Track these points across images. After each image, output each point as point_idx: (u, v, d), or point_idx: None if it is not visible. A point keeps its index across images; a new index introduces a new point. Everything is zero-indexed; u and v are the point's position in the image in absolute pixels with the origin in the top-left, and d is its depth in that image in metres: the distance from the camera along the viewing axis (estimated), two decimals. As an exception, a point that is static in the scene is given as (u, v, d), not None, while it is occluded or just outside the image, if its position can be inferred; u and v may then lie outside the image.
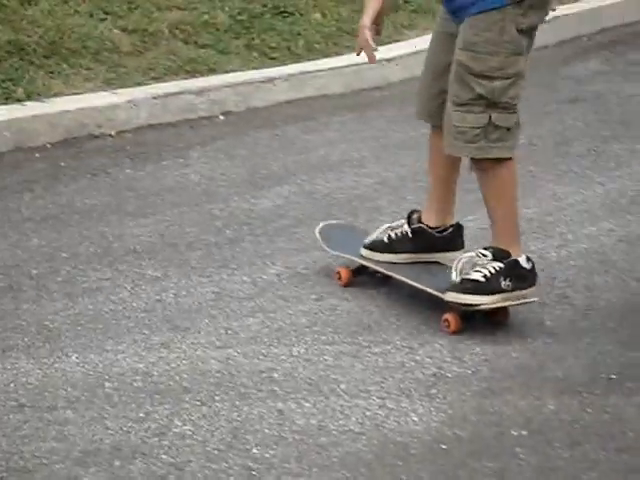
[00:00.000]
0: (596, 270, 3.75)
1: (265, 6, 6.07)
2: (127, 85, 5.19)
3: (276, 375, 3.00)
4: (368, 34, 3.38)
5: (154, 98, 5.10)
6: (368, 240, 3.63)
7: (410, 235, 3.57)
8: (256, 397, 2.88)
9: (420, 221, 3.58)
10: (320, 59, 5.81)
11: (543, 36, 6.06)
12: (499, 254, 3.33)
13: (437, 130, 3.43)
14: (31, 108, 4.75)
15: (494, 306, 3.31)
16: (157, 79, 5.31)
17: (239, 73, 5.52)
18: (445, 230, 3.56)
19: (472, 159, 3.35)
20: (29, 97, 4.82)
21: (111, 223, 3.98)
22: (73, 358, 3.02)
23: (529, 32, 3.31)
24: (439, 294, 3.34)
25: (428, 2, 6.76)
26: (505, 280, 3.30)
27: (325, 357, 3.11)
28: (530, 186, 4.38)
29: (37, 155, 4.61)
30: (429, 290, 3.38)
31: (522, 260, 3.36)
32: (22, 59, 5.06)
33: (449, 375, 3.04)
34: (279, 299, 3.47)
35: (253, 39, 5.82)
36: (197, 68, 5.48)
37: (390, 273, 3.52)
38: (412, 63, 6.00)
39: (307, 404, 2.87)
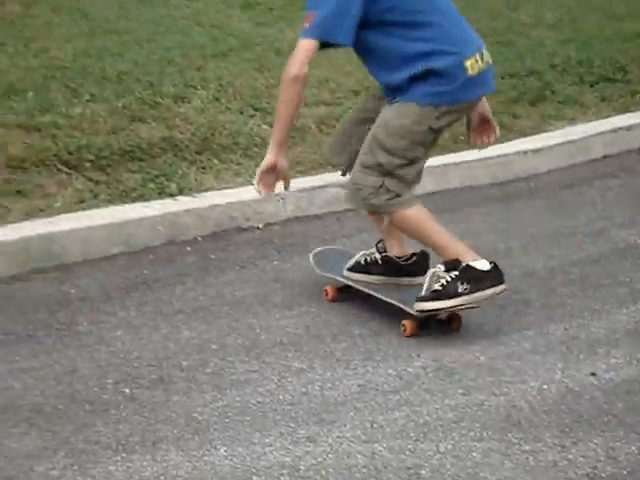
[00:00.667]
0: None
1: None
2: (278, 179, 5.28)
3: (423, 472, 2.95)
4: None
5: (300, 191, 5.18)
6: (349, 264, 4.20)
7: (380, 262, 4.15)
8: (404, 494, 2.84)
9: (385, 250, 4.15)
10: (465, 150, 5.82)
11: None
12: (450, 264, 3.85)
13: None
14: (183, 203, 4.88)
15: (454, 308, 3.84)
16: (303, 172, 5.40)
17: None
18: (409, 259, 4.14)
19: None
20: (181, 192, 4.97)
21: (259, 315, 4.03)
22: (222, 451, 3.04)
23: (438, 131, 3.90)
24: (407, 308, 3.88)
25: (575, 93, 6.73)
26: (462, 284, 3.80)
27: (473, 454, 3.05)
28: None
29: (188, 248, 4.73)
30: (399, 304, 3.93)
31: (478, 264, 3.84)
32: (175, 155, 5.23)
33: (603, 475, 2.94)
34: (425, 393, 3.43)
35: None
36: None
37: (367, 290, 4.09)
38: (559, 154, 5.99)
39: (456, 503, 2.81)
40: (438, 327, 3.96)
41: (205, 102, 5.78)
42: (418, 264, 4.12)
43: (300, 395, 3.39)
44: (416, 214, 3.92)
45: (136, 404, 3.29)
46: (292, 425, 3.19)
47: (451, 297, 3.81)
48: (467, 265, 3.83)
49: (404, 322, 3.90)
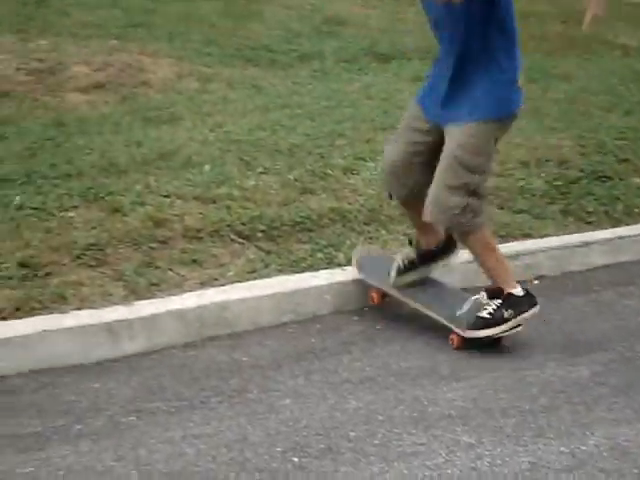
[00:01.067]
0: None
1: (582, 171, 6.06)
2: (442, 250, 5.28)
3: None
4: None
5: (469, 263, 5.14)
6: (393, 272, 4.72)
7: (417, 259, 4.72)
8: None
9: (421, 246, 4.72)
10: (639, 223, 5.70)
11: None
12: (492, 293, 4.42)
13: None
14: (351, 272, 4.93)
15: (504, 333, 4.38)
16: (471, 244, 5.37)
17: (554, 238, 5.50)
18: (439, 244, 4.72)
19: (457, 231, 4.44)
20: (349, 262, 5.02)
21: (425, 387, 4.01)
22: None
23: (497, 141, 4.40)
24: (460, 331, 4.40)
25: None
26: (507, 311, 4.37)
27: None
28: None
29: (355, 318, 4.76)
30: (448, 324, 4.45)
31: (516, 291, 4.41)
32: (344, 226, 5.29)
33: None
34: (599, 472, 3.33)
35: (570, 204, 5.81)
36: (512, 233, 5.51)
37: (414, 305, 4.62)
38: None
39: None
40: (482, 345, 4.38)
41: (374, 174, 5.85)
42: (447, 243, 4.70)
43: (469, 470, 3.34)
44: (489, 236, 4.50)
45: (304, 473, 3.32)
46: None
47: (499, 324, 4.37)
48: (509, 293, 4.39)
49: (452, 336, 4.42)
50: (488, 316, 4.38)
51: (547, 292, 5.10)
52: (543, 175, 6.03)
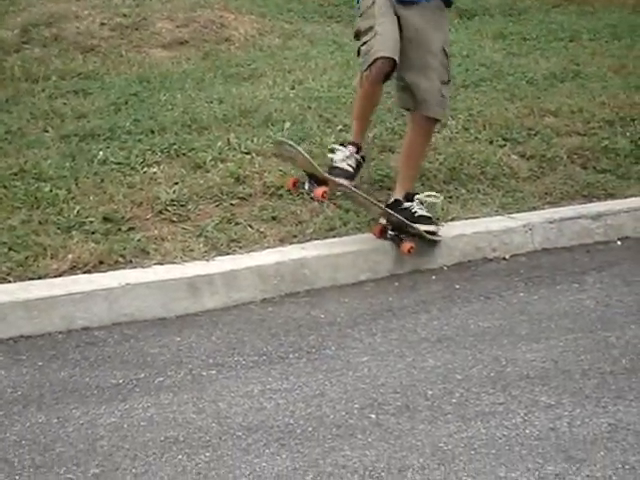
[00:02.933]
0: None
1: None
2: (523, 210, 5.24)
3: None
4: None
5: (550, 222, 5.11)
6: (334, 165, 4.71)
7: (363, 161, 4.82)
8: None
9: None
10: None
11: None
12: (408, 197, 4.78)
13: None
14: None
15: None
16: (553, 204, 5.32)
17: (638, 198, 5.40)
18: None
19: (427, 120, 4.69)
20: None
21: (504, 347, 3.99)
22: (471, 483, 3.03)
23: None
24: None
25: None
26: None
27: None
28: None
29: (433, 277, 4.75)
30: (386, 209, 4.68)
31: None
32: (423, 184, 5.27)
33: None
34: (680, 435, 3.29)
35: (655, 164, 5.70)
36: (594, 193, 5.43)
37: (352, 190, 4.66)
38: None
39: None
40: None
41: (454, 132, 5.80)
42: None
43: (547, 431, 3.33)
44: None
45: (382, 430, 3.33)
46: (539, 461, 3.13)
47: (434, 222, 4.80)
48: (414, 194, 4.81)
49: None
50: (428, 214, 4.76)
51: (630, 253, 5.03)
52: (628, 134, 5.91)
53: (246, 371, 3.76)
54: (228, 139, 5.45)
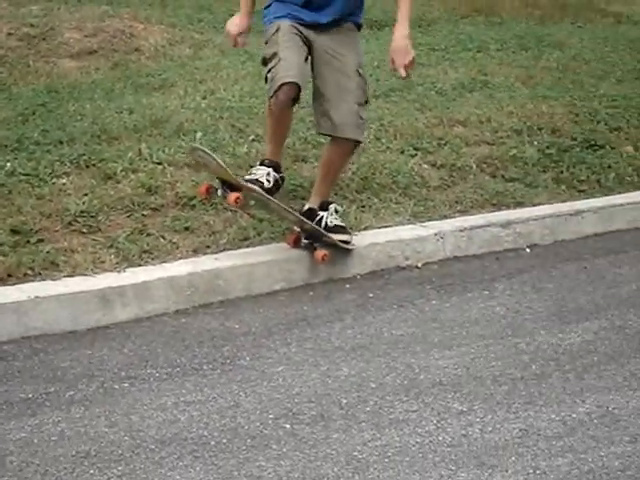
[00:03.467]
0: None
1: (575, 139, 6.06)
2: (434, 218, 5.30)
3: (588, 521, 2.88)
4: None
5: (460, 231, 5.17)
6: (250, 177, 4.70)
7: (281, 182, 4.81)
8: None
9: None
10: (631, 192, 5.70)
11: None
12: (323, 205, 4.84)
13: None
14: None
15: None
16: (464, 212, 5.39)
17: (546, 206, 5.51)
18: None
19: (346, 142, 4.67)
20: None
21: (417, 354, 4.02)
22: (381, 491, 3.04)
23: None
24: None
25: None
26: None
27: (640, 505, 2.96)
28: None
29: (347, 286, 4.77)
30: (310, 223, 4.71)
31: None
32: (336, 194, 5.28)
33: None
34: (590, 439, 3.35)
35: (562, 172, 5.82)
36: (504, 201, 5.52)
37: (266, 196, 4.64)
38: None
39: None
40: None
41: (366, 142, 5.83)
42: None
43: (460, 437, 3.36)
44: None
45: (297, 440, 3.33)
46: (452, 467, 3.16)
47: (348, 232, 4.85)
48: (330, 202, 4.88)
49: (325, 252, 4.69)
50: (342, 223, 4.82)
51: (539, 261, 5.12)
52: (535, 143, 6.02)
53: (159, 383, 3.72)
54: (139, 149, 5.40)
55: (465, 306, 4.53)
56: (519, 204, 5.51)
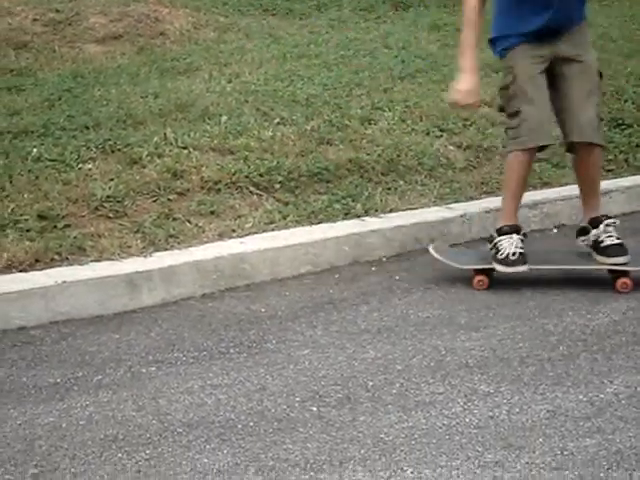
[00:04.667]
0: None
1: (602, 118, 5.98)
2: (460, 200, 5.28)
3: (615, 502, 2.87)
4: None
5: (486, 212, 5.15)
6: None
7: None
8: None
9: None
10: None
11: None
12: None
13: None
14: (369, 223, 4.93)
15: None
16: (490, 193, 5.37)
17: (573, 186, 5.46)
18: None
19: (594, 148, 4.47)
20: (367, 213, 5.01)
21: (443, 336, 4.01)
22: (408, 473, 3.03)
23: None
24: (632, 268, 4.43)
25: None
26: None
27: (668, 486, 2.94)
28: None
29: (373, 268, 4.76)
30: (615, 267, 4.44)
31: None
32: (361, 176, 5.28)
33: None
34: (618, 420, 3.33)
35: (589, 151, 5.76)
36: (531, 182, 5.47)
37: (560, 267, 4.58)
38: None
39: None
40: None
41: (391, 123, 5.82)
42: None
43: (487, 419, 3.35)
44: None
45: (323, 422, 3.33)
46: (479, 449, 3.16)
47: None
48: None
49: (624, 281, 4.42)
50: (619, 241, 4.48)
51: (567, 240, 5.08)
52: (562, 123, 5.97)
53: (186, 367, 3.74)
54: (164, 134, 5.41)
55: (492, 288, 4.52)
56: (546, 184, 5.49)
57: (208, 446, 3.18)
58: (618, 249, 4.46)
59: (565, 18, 4.41)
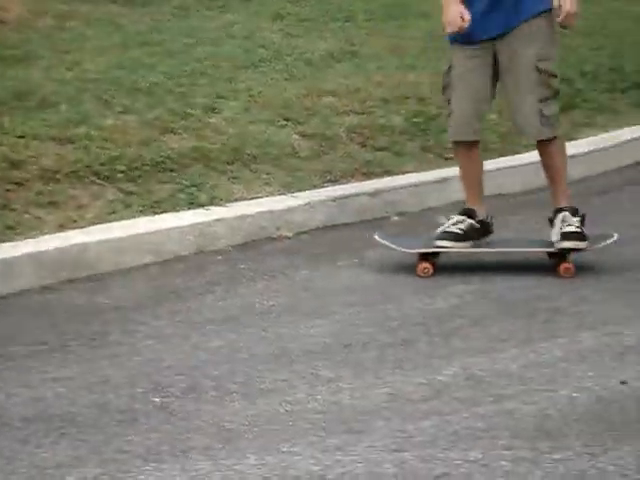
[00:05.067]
0: None
1: (441, 108, 6.13)
2: (305, 188, 5.32)
3: (451, 480, 2.94)
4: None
5: (331, 200, 5.21)
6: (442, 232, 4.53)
7: (477, 226, 4.56)
8: (431, 503, 2.84)
9: (476, 215, 4.57)
10: (496, 158, 5.81)
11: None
12: (574, 210, 4.52)
13: (474, 144, 4.63)
14: (214, 213, 4.92)
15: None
16: (334, 182, 5.43)
17: (414, 174, 5.58)
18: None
19: (545, 140, 4.50)
20: (212, 202, 5.00)
21: (288, 324, 4.05)
22: (251, 460, 3.03)
23: None
24: (550, 249, 4.49)
25: (606, 100, 6.70)
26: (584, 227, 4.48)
27: (502, 463, 3.03)
28: None
29: (219, 258, 4.76)
30: (539, 249, 4.60)
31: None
32: (206, 165, 5.26)
33: (633, 484, 2.92)
34: (455, 401, 3.42)
35: (428, 140, 5.89)
36: (373, 170, 5.57)
37: (483, 249, 4.63)
38: (590, 161, 5.96)
39: (484, 512, 2.80)
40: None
41: (236, 113, 5.81)
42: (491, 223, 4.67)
43: (329, 404, 3.39)
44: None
45: (166, 413, 3.31)
46: (321, 434, 3.19)
47: (586, 239, 4.45)
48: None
49: (566, 266, 4.47)
50: (579, 230, 4.45)
51: (407, 228, 5.19)
52: (402, 112, 6.08)
53: (24, 361, 3.66)
54: (1, 123, 5.26)
55: (335, 275, 4.58)
56: (388, 173, 5.58)
57: (47, 440, 3.12)
58: (577, 235, 4.48)
59: (496, 21, 4.45)
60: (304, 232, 5.09)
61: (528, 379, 3.58)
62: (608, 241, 4.52)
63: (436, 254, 4.59)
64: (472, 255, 4.70)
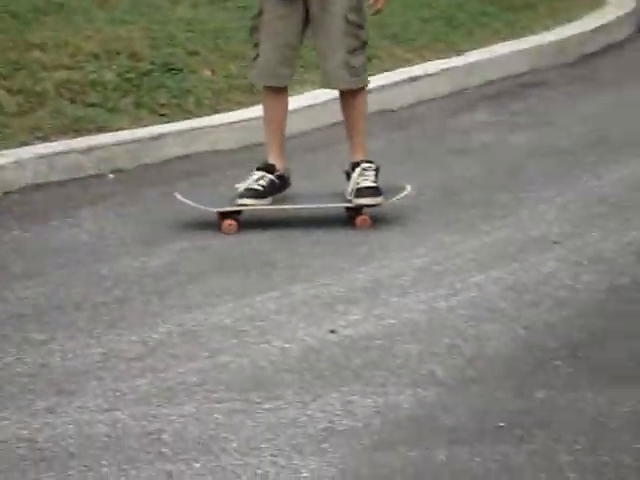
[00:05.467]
0: (485, 318, 3.77)
1: (153, 64, 6.06)
2: (13, 146, 5.13)
3: (165, 436, 2.95)
4: None
5: (41, 158, 5.05)
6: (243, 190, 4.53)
7: (277, 181, 4.57)
8: (144, 460, 2.83)
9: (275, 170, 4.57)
10: (210, 115, 5.82)
11: (431, 88, 6.25)
12: (371, 161, 4.57)
13: (281, 90, 4.62)
14: None
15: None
16: (44, 139, 5.26)
17: (128, 131, 5.49)
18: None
19: (349, 91, 4.57)
20: None
21: (-7, 287, 3.91)
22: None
23: None
24: (346, 204, 4.55)
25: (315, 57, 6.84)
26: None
27: (216, 415, 3.08)
28: (419, 235, 4.44)
29: None
30: (334, 205, 4.64)
31: None
32: None
33: (340, 429, 3.02)
34: (170, 358, 3.42)
35: (142, 97, 5.80)
36: (85, 127, 5.44)
37: (286, 206, 4.63)
38: (301, 118, 6.05)
39: (197, 464, 2.82)
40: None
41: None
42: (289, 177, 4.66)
43: (39, 367, 3.31)
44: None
45: None
46: (30, 397, 3.11)
47: (381, 194, 4.52)
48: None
49: (363, 218, 4.52)
50: (374, 184, 4.50)
51: (123, 186, 5.13)
52: (114, 67, 5.94)
53: None
54: None
55: (47, 235, 4.46)
56: (101, 129, 5.46)
57: None
58: (372, 191, 4.53)
59: None
60: (14, 191, 4.91)
61: (242, 332, 3.64)
62: (401, 194, 4.60)
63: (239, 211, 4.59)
64: (273, 212, 4.69)
